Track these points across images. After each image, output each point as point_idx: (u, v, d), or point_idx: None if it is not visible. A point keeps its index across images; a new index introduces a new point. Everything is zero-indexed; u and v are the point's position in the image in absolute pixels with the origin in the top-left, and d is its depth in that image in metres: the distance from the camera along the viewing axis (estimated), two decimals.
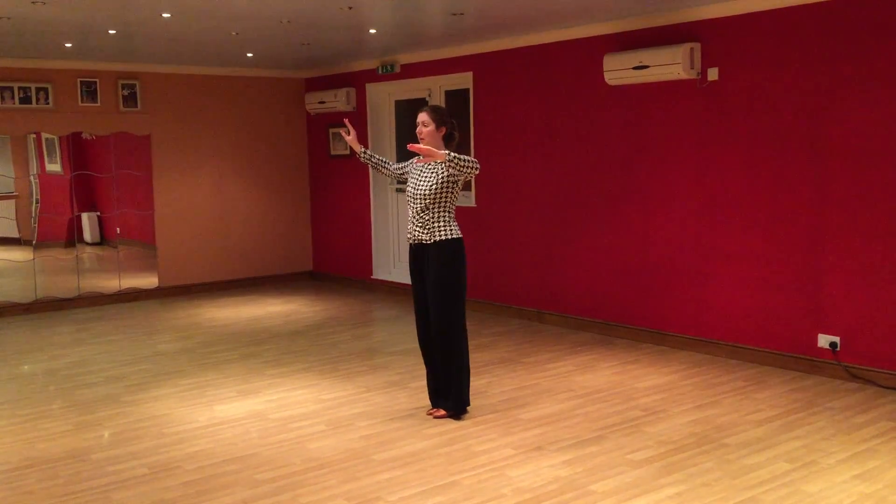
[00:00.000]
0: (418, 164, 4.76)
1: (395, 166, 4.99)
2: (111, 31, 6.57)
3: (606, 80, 6.42)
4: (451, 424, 4.62)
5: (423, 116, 4.70)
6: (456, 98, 8.21)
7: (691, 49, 5.91)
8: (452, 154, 4.38)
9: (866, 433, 4.38)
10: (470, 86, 7.87)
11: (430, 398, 4.88)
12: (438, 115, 4.71)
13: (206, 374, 5.84)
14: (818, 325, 5.51)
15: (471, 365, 5.81)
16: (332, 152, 9.60)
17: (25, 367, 6.22)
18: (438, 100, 8.33)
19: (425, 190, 4.61)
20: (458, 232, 4.69)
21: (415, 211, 4.67)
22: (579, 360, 6.02)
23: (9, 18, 5.89)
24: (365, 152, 5.03)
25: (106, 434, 4.62)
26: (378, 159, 5.04)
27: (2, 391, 5.51)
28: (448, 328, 4.68)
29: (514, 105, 7.45)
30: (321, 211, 9.98)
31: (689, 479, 3.79)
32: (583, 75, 6.80)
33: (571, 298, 7.11)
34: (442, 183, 4.58)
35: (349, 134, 5.06)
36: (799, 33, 5.46)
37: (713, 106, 5.97)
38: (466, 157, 4.43)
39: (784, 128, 5.59)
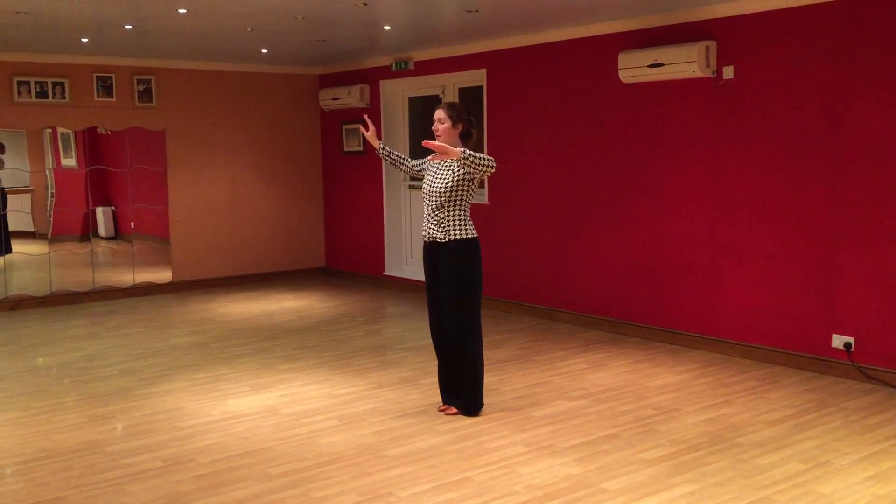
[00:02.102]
0: (434, 161, 4.72)
1: (413, 162, 4.96)
2: (127, 27, 6.60)
3: (621, 77, 6.40)
4: (463, 421, 4.62)
5: (439, 113, 4.65)
6: (470, 95, 8.20)
7: (707, 47, 5.89)
8: (468, 152, 4.32)
9: (880, 434, 4.36)
10: (484, 83, 7.87)
11: (441, 394, 4.88)
12: (455, 112, 4.64)
13: (220, 368, 5.86)
14: (832, 325, 5.48)
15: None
16: (346, 148, 9.61)
17: (40, 359, 6.27)
18: (452, 97, 8.33)
19: (441, 188, 4.58)
20: (474, 231, 4.66)
21: (430, 209, 4.64)
22: (591, 359, 6.01)
23: (26, 13, 5.93)
24: (384, 148, 4.99)
25: (120, 427, 4.65)
26: (396, 155, 4.99)
27: (17, 383, 5.55)
28: (463, 329, 4.65)
29: (527, 102, 7.44)
30: (334, 207, 10.00)
31: (701, 478, 3.79)
32: (597, 73, 6.79)
33: (584, 296, 7.10)
34: (457, 181, 4.55)
35: (368, 130, 5.04)
36: (815, 32, 5.43)
37: (728, 104, 5.94)
38: (482, 156, 4.36)
39: (800, 126, 5.56)
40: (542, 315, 7.44)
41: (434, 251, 4.69)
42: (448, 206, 4.58)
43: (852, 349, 5.38)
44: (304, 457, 4.12)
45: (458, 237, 4.59)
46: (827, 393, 5.10)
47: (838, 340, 5.45)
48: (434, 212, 4.62)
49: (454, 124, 4.63)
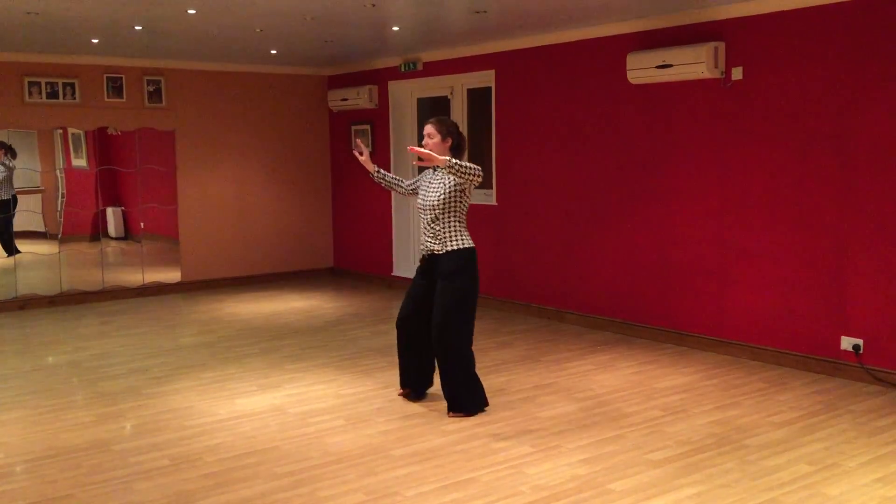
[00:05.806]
0: (427, 174, 4.81)
1: (407, 183, 5.04)
2: (137, 27, 6.63)
3: (629, 78, 6.39)
4: (470, 421, 4.62)
5: (428, 128, 4.75)
6: (478, 96, 8.20)
7: (715, 48, 5.87)
8: (453, 160, 4.37)
9: (889, 436, 4.34)
10: (492, 84, 7.87)
11: (402, 379, 5.06)
12: (444, 127, 4.74)
13: (227, 367, 5.88)
14: (841, 327, 5.46)
15: (490, 362, 5.84)
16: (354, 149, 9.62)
17: (50, 358, 6.30)
18: (461, 98, 8.34)
19: (434, 200, 4.67)
20: (471, 241, 4.71)
21: (426, 222, 4.74)
22: (599, 360, 6.00)
23: (37, 14, 5.96)
24: (378, 171, 5.04)
25: (128, 425, 4.67)
26: (391, 178, 5.06)
27: (26, 382, 5.58)
28: (452, 335, 4.66)
29: (536, 103, 7.44)
30: (342, 207, 10.02)
31: (708, 479, 3.78)
32: (606, 74, 6.78)
33: (592, 297, 7.09)
34: (450, 192, 4.63)
35: (362, 154, 5.05)
36: (824, 33, 5.41)
37: (737, 105, 5.93)
38: (467, 164, 4.43)
39: (809, 128, 5.54)
40: (550, 316, 7.43)
41: (431, 264, 4.76)
42: (443, 218, 4.66)
43: (861, 351, 5.35)
44: (311, 456, 4.13)
45: (455, 247, 4.66)
46: (835, 395, 5.08)
47: (847, 342, 5.42)
48: (430, 224, 4.71)
49: (444, 138, 4.72)
